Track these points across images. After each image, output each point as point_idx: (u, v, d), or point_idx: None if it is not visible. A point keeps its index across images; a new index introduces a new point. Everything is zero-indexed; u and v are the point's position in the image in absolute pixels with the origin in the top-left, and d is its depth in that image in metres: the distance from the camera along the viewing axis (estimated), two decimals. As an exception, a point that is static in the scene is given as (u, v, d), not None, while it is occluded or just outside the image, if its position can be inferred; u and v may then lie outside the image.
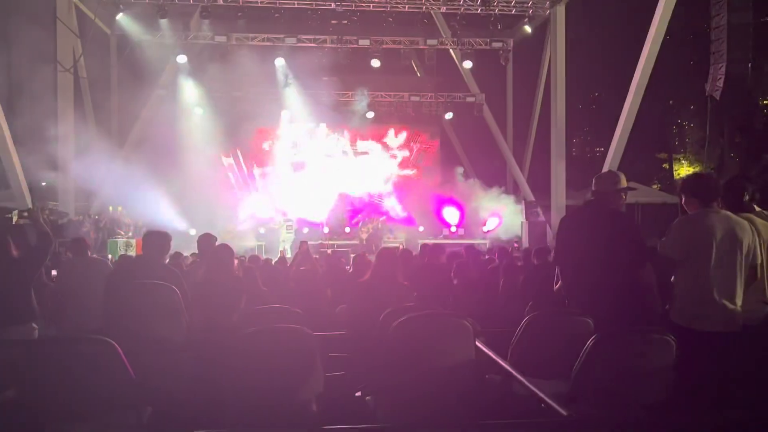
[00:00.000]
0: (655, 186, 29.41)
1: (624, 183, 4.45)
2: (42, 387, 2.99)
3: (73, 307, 5.85)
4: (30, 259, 4.77)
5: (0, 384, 3.43)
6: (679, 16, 17.75)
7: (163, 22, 19.71)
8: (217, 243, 6.26)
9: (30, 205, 16.28)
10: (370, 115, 23.62)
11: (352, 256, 11.54)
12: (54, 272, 8.17)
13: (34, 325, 4.66)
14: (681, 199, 4.19)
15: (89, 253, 6.71)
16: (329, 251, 16.41)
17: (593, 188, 4.48)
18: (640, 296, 3.97)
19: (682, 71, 27.20)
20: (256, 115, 22.37)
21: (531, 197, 22.34)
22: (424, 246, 11.58)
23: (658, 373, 3.13)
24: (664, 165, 33.61)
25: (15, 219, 18.41)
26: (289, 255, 16.59)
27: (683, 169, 32.57)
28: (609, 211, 4.36)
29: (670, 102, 31.67)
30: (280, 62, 21.49)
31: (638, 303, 3.94)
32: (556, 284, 4.60)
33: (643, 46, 15.77)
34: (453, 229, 22.33)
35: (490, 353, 3.70)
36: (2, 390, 3.32)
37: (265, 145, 23.98)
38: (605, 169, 17.60)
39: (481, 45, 21.49)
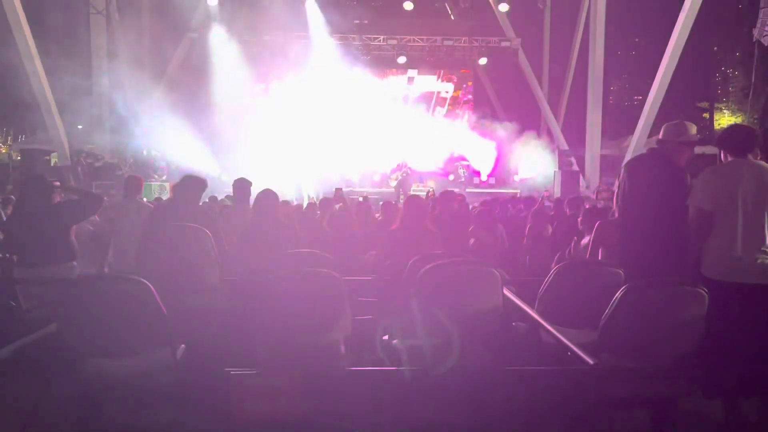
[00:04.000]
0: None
1: (690, 135, 4.32)
2: (80, 323, 3.10)
3: (124, 246, 6.05)
4: (74, 209, 5.01)
5: (42, 319, 3.58)
6: (728, -42, 16.91)
7: (194, -36, 19.54)
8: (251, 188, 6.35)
9: (66, 147, 16.58)
10: (402, 59, 23.24)
11: (381, 203, 11.56)
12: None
13: (74, 263, 4.92)
14: (720, 154, 4.10)
15: (139, 194, 6.88)
16: (360, 198, 16.46)
17: (660, 137, 4.40)
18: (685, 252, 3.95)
19: (729, 16, 26.01)
20: (285, 59, 22.17)
21: (565, 146, 21.96)
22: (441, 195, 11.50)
23: (688, 326, 3.10)
24: (704, 114, 32.54)
25: (53, 161, 18.85)
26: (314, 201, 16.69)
27: (724, 119, 31.54)
28: (665, 163, 4.26)
29: (715, 48, 30.43)
30: (310, 5, 21.16)
31: (683, 259, 3.92)
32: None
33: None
34: (483, 177, 22.14)
35: (518, 301, 3.70)
36: (44, 325, 3.46)
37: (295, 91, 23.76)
38: (642, 118, 17.16)
39: (518, -13, 20.82)
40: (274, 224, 5.02)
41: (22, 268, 4.74)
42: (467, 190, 20.02)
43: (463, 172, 21.62)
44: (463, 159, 22.31)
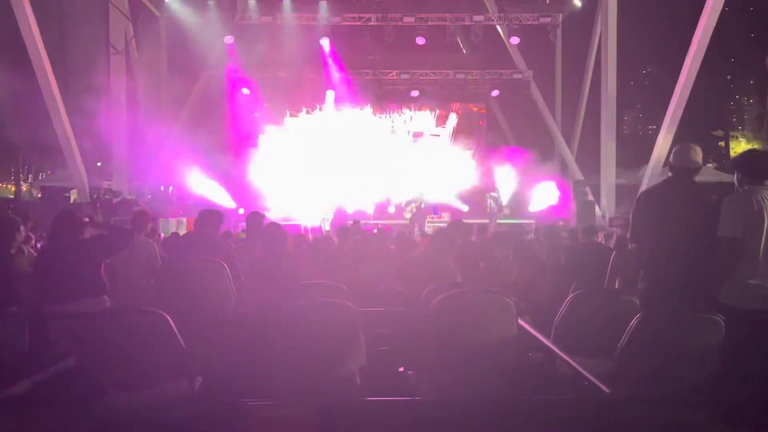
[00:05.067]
0: (710, 164, 28.43)
1: (697, 161, 4.32)
2: (99, 356, 3.15)
3: (122, 282, 6.10)
4: (104, 245, 5.12)
5: (62, 352, 3.62)
6: (739, -13, 17.01)
7: (211, 4, 20.04)
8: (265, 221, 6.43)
9: (85, 184, 16.87)
10: (415, 93, 23.50)
11: (395, 235, 11.60)
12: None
13: (105, 297, 4.99)
14: (734, 177, 4.08)
15: (149, 227, 6.93)
16: (375, 231, 16.53)
17: (671, 162, 4.37)
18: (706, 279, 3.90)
19: (742, 44, 26.08)
20: (301, 95, 22.58)
21: (580, 176, 21.92)
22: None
23: (705, 354, 3.08)
24: (720, 143, 32.42)
25: (73, 198, 19.16)
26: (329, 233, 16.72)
27: (740, 147, 31.37)
28: (687, 186, 4.25)
29: (728, 77, 30.46)
30: (325, 41, 21.54)
31: (704, 285, 3.87)
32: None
33: (699, 17, 15.15)
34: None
35: (533, 331, 3.70)
36: (64, 358, 3.51)
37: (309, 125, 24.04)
38: (657, 147, 17.12)
39: (528, 20, 21.04)
40: (282, 256, 5.05)
41: (53, 303, 4.79)
42: (498, 221, 19.86)
43: (492, 203, 21.50)
44: (492, 189, 22.13)
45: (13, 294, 4.81)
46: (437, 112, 24.86)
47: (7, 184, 40.57)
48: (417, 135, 24.71)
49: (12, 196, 31.58)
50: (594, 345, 3.58)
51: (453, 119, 25.08)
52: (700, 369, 3.04)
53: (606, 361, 3.33)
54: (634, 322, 3.01)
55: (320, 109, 23.58)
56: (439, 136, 24.86)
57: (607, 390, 2.74)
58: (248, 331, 3.86)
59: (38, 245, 8.51)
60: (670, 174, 4.45)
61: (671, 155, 4.44)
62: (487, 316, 3.48)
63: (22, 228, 5.21)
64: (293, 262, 5.21)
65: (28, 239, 8.73)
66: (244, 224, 7.70)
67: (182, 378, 3.28)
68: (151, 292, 5.77)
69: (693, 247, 4.02)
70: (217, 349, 3.61)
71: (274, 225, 5.32)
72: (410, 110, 24.70)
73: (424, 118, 24.89)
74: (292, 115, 23.67)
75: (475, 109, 25.64)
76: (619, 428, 2.90)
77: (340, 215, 18.67)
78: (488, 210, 21.18)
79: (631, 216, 4.53)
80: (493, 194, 21.71)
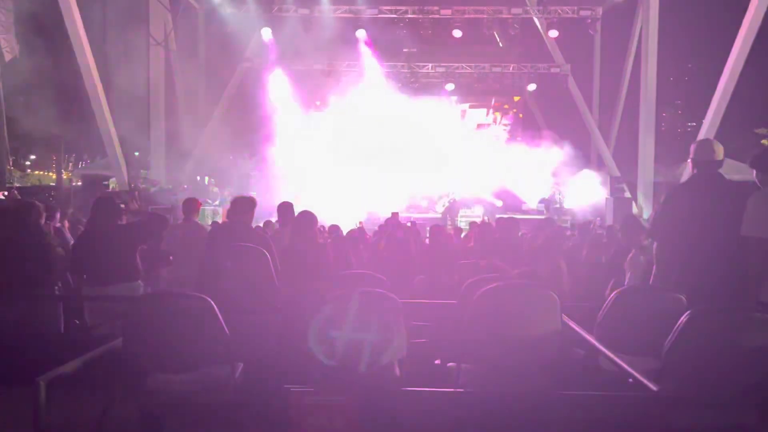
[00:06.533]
0: (752, 163, 27.62)
1: (721, 152, 4.25)
2: (144, 338, 3.20)
3: (173, 267, 6.20)
4: (140, 230, 5.20)
5: (107, 335, 3.70)
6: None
7: (249, -4, 20.19)
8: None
9: (124, 173, 17.16)
10: (450, 87, 23.34)
11: (428, 228, 11.55)
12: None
13: (140, 282, 5.07)
14: (754, 175, 4.06)
15: (197, 215, 7.11)
16: (408, 224, 16.49)
17: (692, 157, 4.30)
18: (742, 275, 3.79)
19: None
20: (336, 86, 22.61)
21: (617, 173, 21.55)
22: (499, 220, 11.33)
23: (757, 354, 2.99)
24: (763, 141, 31.49)
25: (111, 186, 19.53)
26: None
27: (784, 145, 30.43)
28: (714, 181, 4.16)
29: (773, 73, 29.57)
30: (361, 34, 21.51)
31: (739, 282, 3.77)
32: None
33: (744, 11, 14.73)
34: (534, 205, 21.86)
35: (576, 327, 3.64)
36: (104, 340, 3.57)
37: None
38: (698, 145, 16.73)
39: (568, 13, 20.71)
40: (311, 245, 5.04)
41: (90, 286, 4.90)
42: (561, 217, 19.61)
43: (560, 197, 21.18)
44: (557, 184, 21.79)
45: (49, 277, 4.94)
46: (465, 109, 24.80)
47: (48, 172, 41.65)
48: (481, 126, 24.73)
49: (53, 184, 32.40)
50: (638, 343, 3.52)
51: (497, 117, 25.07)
52: (754, 370, 2.95)
53: (650, 359, 3.27)
54: (683, 319, 2.93)
55: (354, 102, 23.56)
56: (509, 125, 24.92)
57: (654, 388, 2.68)
58: (289, 318, 3.89)
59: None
60: (694, 171, 4.38)
61: (692, 151, 4.38)
62: (529, 310, 3.43)
63: (43, 213, 5.34)
64: (323, 250, 5.20)
65: (78, 222, 8.93)
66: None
67: (225, 363, 3.31)
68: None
69: (723, 244, 3.93)
70: (259, 335, 3.64)
71: (304, 212, 5.32)
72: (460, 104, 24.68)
73: (477, 113, 24.91)
74: (325, 108, 23.71)
75: (506, 106, 25.47)
76: (667, 428, 2.84)
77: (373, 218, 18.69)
78: (556, 206, 21.01)
79: (656, 211, 4.47)
80: (559, 188, 21.45)
